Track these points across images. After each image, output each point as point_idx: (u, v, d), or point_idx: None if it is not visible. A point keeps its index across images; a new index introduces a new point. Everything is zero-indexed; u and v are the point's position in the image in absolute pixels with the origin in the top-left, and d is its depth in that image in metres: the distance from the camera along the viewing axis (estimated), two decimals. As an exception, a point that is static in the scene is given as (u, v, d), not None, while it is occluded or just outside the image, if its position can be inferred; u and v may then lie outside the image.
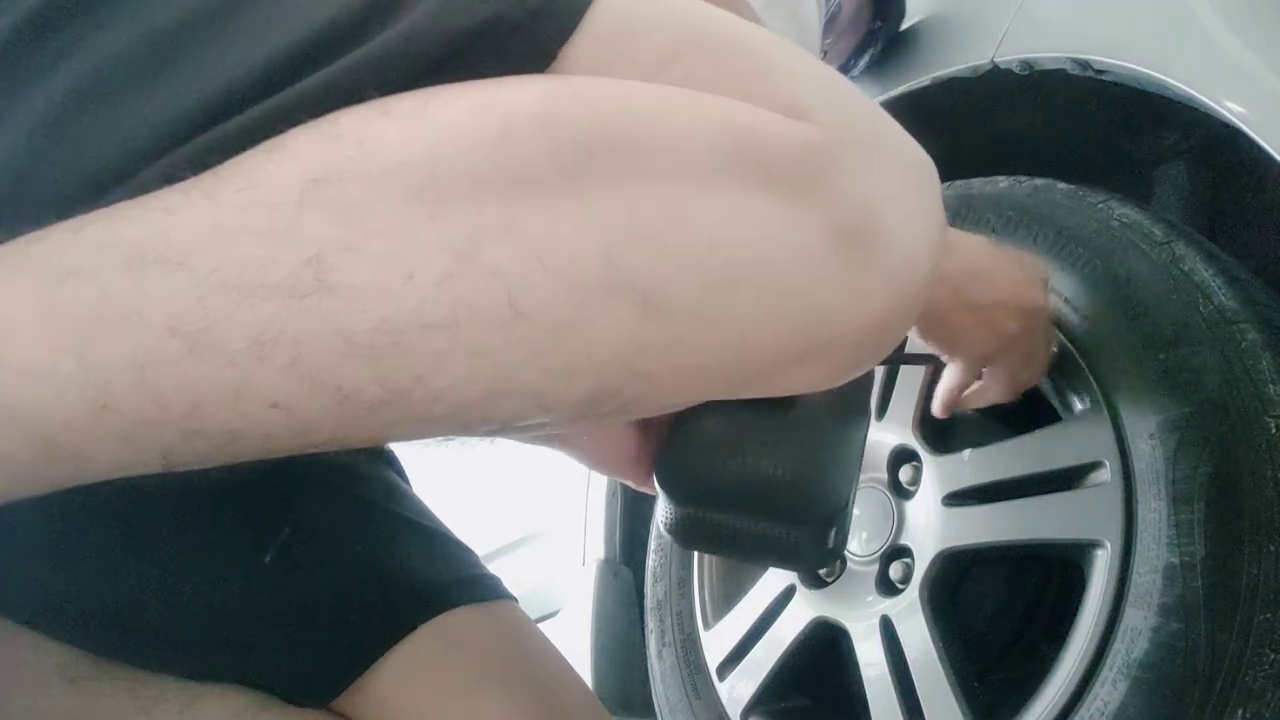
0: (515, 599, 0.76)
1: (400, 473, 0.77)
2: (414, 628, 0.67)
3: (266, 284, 0.35)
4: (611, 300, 0.38)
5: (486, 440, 0.75)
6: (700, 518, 0.57)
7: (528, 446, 0.74)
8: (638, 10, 0.43)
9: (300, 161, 0.37)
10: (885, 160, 0.44)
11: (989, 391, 0.86)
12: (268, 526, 0.62)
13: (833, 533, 0.56)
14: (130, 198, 0.36)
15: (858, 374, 0.48)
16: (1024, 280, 0.81)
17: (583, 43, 0.41)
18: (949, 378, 0.86)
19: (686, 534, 0.58)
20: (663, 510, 0.59)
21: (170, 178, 0.37)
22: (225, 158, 0.37)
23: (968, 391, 0.88)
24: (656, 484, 0.60)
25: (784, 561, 0.58)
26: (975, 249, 0.78)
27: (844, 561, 1.06)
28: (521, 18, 0.40)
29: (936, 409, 0.91)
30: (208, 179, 0.37)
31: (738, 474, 0.56)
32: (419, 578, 0.69)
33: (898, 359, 0.96)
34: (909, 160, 0.46)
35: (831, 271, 0.42)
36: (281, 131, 0.38)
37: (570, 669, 0.75)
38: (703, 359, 0.41)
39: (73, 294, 0.34)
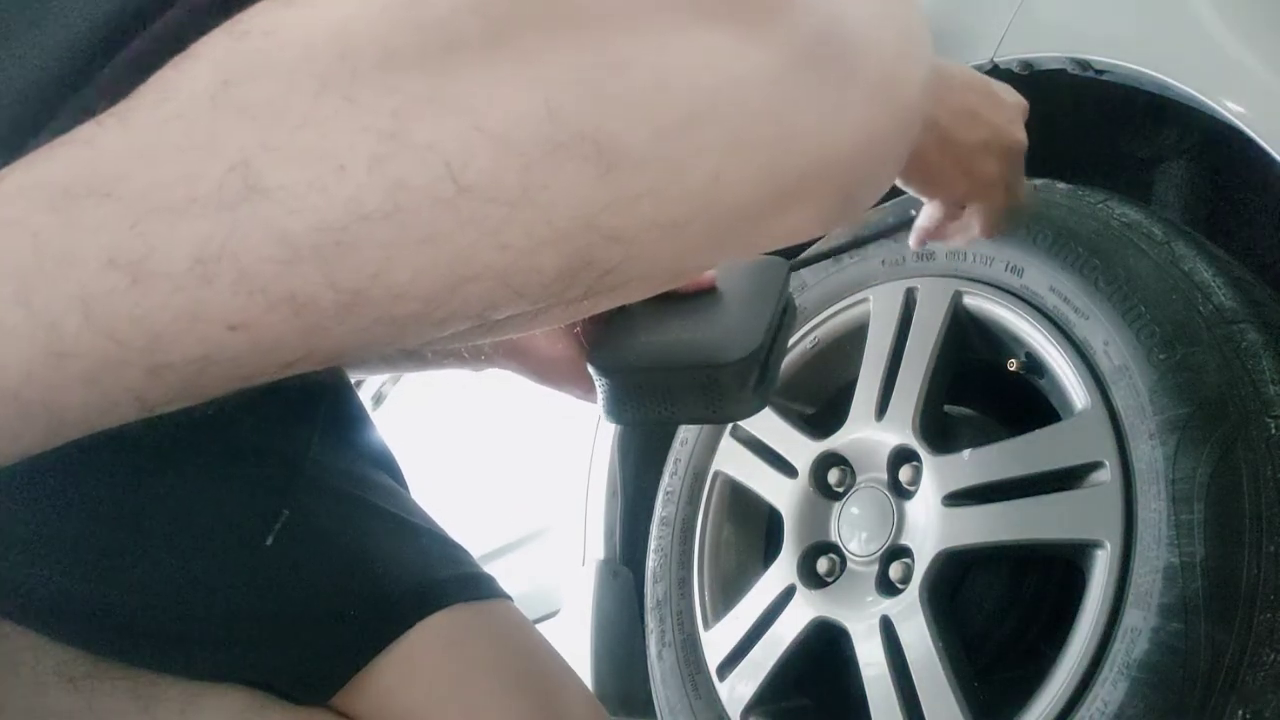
0: (511, 598, 0.76)
1: (399, 479, 0.77)
2: (411, 625, 0.66)
3: (196, 199, 0.34)
4: (562, 158, 0.35)
5: (471, 360, 0.79)
6: (633, 383, 0.61)
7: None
8: None
9: (209, 65, 0.35)
10: None
11: (970, 229, 0.81)
12: (263, 526, 0.62)
13: (754, 373, 0.60)
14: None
15: (854, 213, 0.44)
16: (1008, 118, 0.75)
17: None
18: (925, 217, 0.81)
19: (624, 402, 0.62)
20: (601, 396, 0.63)
21: (90, 110, 0.36)
22: (141, 79, 0.36)
23: (949, 231, 0.83)
24: (591, 370, 0.62)
25: (713, 406, 0.61)
26: (962, 86, 0.73)
27: (844, 561, 1.06)
28: None
29: (912, 243, 0.85)
30: (122, 105, 0.35)
31: (659, 328, 0.61)
32: (415, 575, 0.69)
33: (875, 235, 0.99)
34: None
35: (801, 94, 0.38)
36: (193, 41, 0.36)
37: (567, 667, 0.75)
38: (675, 210, 0.38)
39: (5, 244, 0.33)
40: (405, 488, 0.76)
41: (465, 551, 0.75)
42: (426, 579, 0.69)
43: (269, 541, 0.60)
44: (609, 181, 0.36)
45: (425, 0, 0.35)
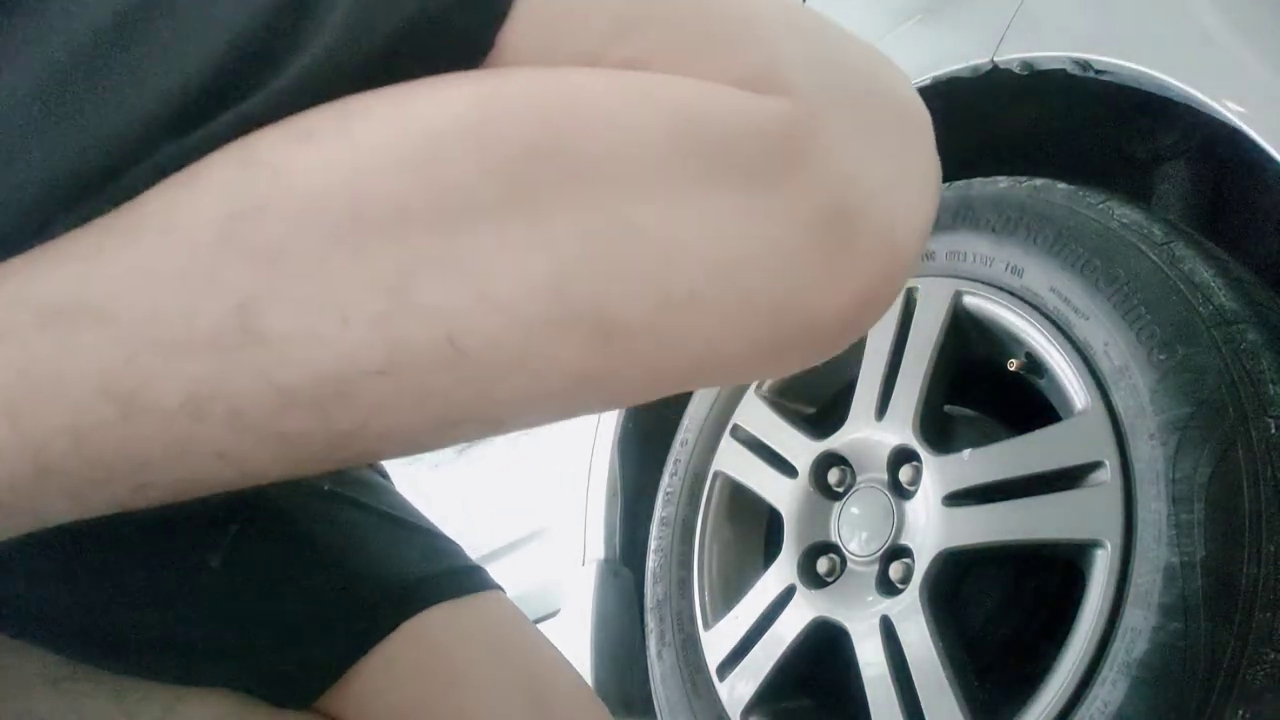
0: (501, 588, 0.75)
1: (380, 470, 0.76)
2: (395, 626, 0.66)
3: (193, 338, 0.33)
4: (562, 332, 0.35)
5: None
6: None
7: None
8: None
9: (216, 194, 0.34)
10: (875, 118, 0.40)
11: None
12: (229, 524, 0.62)
13: None
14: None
15: (837, 353, 0.45)
16: None
17: (519, 26, 0.37)
18: None
19: None
20: None
21: (163, 173, 0.35)
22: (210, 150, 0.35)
23: None
24: None
25: None
26: None
27: (844, 561, 1.06)
28: (446, 10, 0.36)
29: None
30: (126, 217, 0.35)
31: None
32: (399, 574, 0.68)
33: None
34: (903, 114, 0.42)
35: (805, 262, 0.38)
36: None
37: (560, 657, 0.75)
38: (666, 372, 0.39)
39: None
40: (388, 480, 0.76)
41: (452, 543, 0.75)
42: (409, 577, 0.69)
43: (228, 540, 0.60)
44: (604, 354, 0.36)
45: (447, 160, 0.35)
